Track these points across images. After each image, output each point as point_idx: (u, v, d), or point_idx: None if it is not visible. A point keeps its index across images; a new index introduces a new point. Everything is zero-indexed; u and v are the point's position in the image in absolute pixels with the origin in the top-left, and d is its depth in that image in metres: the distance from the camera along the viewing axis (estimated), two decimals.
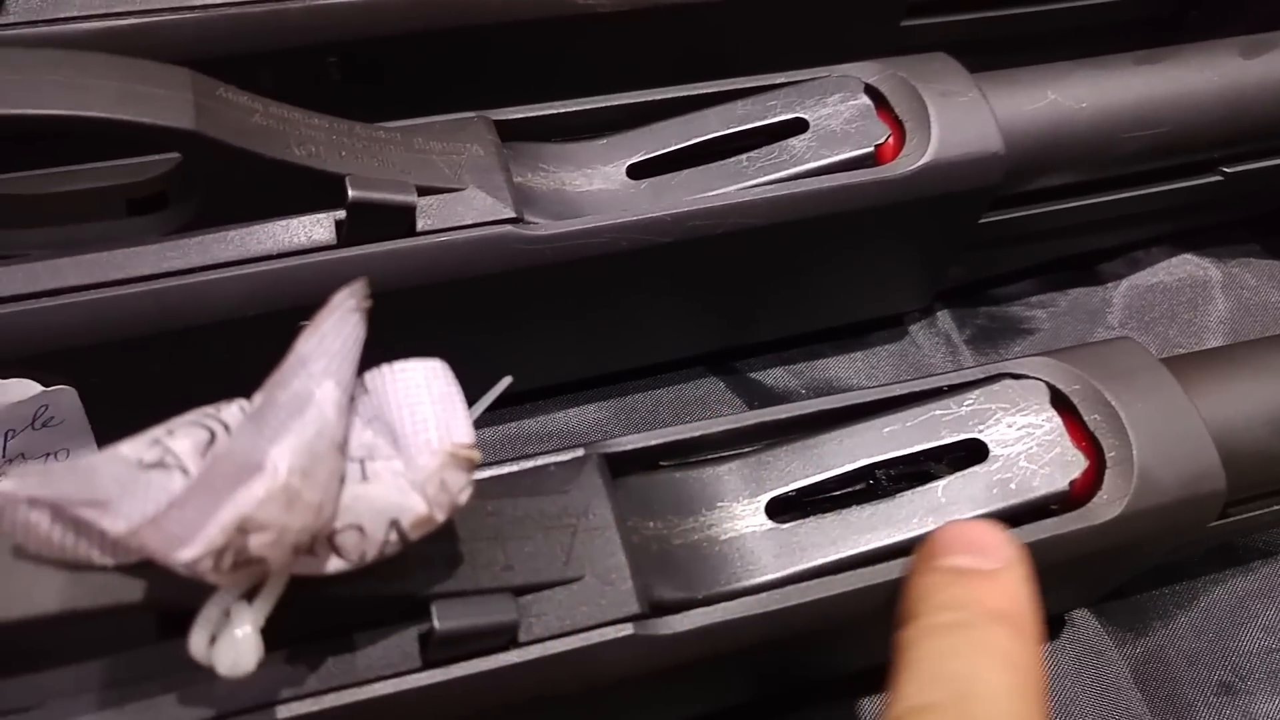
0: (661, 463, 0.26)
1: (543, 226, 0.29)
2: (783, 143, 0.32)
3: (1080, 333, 0.40)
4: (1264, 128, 0.37)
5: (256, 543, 0.15)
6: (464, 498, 0.18)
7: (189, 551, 0.15)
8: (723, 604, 0.23)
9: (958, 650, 0.21)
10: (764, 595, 0.23)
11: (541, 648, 0.21)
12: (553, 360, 0.34)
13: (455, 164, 0.28)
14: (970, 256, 0.37)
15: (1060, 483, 0.25)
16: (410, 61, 0.34)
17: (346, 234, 0.27)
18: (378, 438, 0.18)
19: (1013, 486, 0.25)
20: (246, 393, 0.19)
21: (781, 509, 0.25)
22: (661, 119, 0.32)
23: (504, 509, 0.22)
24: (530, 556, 0.21)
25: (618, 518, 0.23)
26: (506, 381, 0.22)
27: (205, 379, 0.27)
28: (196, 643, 0.17)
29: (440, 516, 0.18)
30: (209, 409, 0.17)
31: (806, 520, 0.25)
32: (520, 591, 0.21)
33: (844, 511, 0.25)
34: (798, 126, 0.32)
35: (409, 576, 0.20)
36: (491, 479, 0.23)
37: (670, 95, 0.32)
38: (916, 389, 0.27)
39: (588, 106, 0.32)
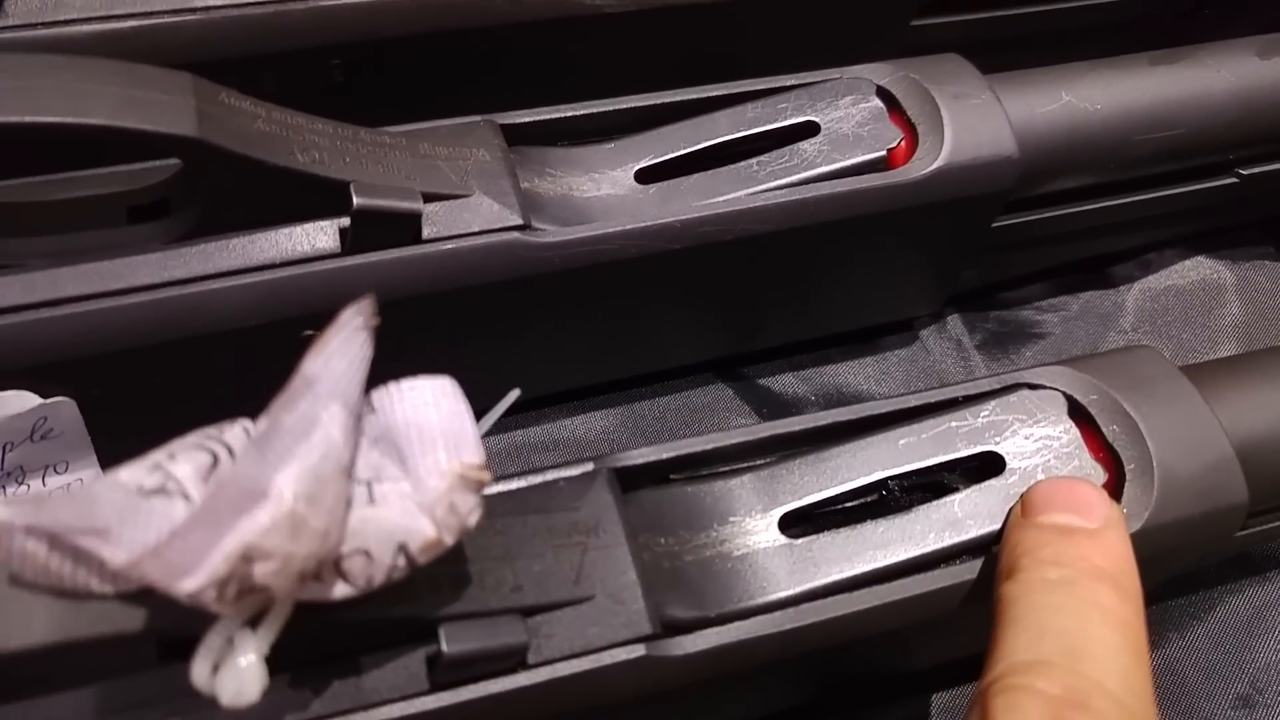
0: (672, 476, 0.25)
1: (550, 233, 0.28)
2: (794, 146, 0.31)
3: (1092, 336, 0.39)
4: None
5: (261, 571, 0.15)
6: (473, 520, 0.18)
7: (192, 582, 0.15)
8: (736, 623, 0.22)
9: (1065, 606, 0.21)
10: (777, 614, 0.23)
11: (551, 669, 0.21)
12: (559, 368, 0.33)
13: (461, 169, 0.28)
14: (982, 260, 0.37)
15: None
16: (414, 64, 0.33)
17: (351, 242, 0.26)
18: (384, 458, 0.18)
19: None
20: (249, 404, 0.19)
21: (793, 522, 0.25)
22: (670, 122, 0.32)
23: (512, 527, 0.21)
24: (540, 576, 0.21)
25: (628, 535, 0.22)
26: (515, 395, 0.22)
27: (207, 390, 0.27)
28: (199, 672, 0.16)
29: (449, 540, 0.17)
30: (211, 430, 0.17)
31: (820, 535, 0.24)
32: (529, 612, 0.21)
33: (858, 527, 0.24)
34: (809, 130, 0.32)
35: (416, 598, 0.19)
36: (499, 495, 0.23)
37: (679, 98, 0.32)
38: (931, 400, 0.27)
39: (595, 110, 0.31)
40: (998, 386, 0.27)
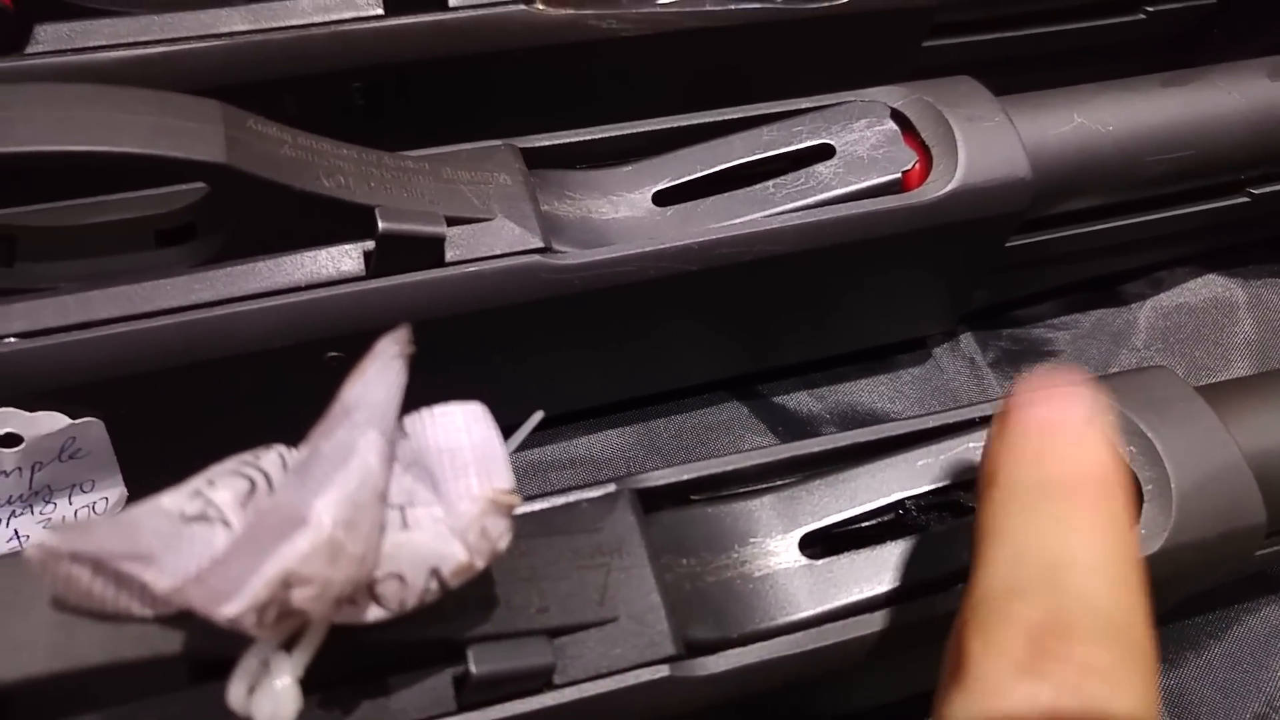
0: (693, 497, 0.25)
1: (570, 255, 0.29)
2: (809, 169, 0.32)
3: (1104, 354, 0.39)
4: None
5: (300, 596, 0.15)
6: (503, 544, 0.18)
7: (233, 607, 0.15)
8: (758, 644, 0.23)
9: (1044, 519, 0.19)
10: (799, 634, 0.23)
11: (577, 690, 0.21)
12: (578, 387, 0.34)
13: (483, 193, 0.28)
14: (995, 279, 0.37)
15: None
16: (434, 87, 0.33)
17: (376, 265, 0.27)
18: (417, 483, 0.18)
19: None
20: (274, 425, 0.19)
21: (813, 542, 0.25)
22: (686, 145, 0.32)
23: (537, 548, 0.22)
24: (565, 598, 0.21)
25: (651, 556, 0.22)
26: (539, 416, 0.22)
27: (233, 411, 0.28)
28: (236, 694, 0.16)
29: (480, 564, 0.18)
30: (247, 456, 0.17)
31: (840, 556, 0.25)
32: (555, 633, 0.21)
33: (878, 547, 0.25)
34: (824, 152, 0.32)
35: (445, 620, 0.20)
36: (524, 516, 0.23)
37: (695, 121, 0.32)
38: (949, 420, 0.27)
39: (613, 133, 0.32)
40: None
